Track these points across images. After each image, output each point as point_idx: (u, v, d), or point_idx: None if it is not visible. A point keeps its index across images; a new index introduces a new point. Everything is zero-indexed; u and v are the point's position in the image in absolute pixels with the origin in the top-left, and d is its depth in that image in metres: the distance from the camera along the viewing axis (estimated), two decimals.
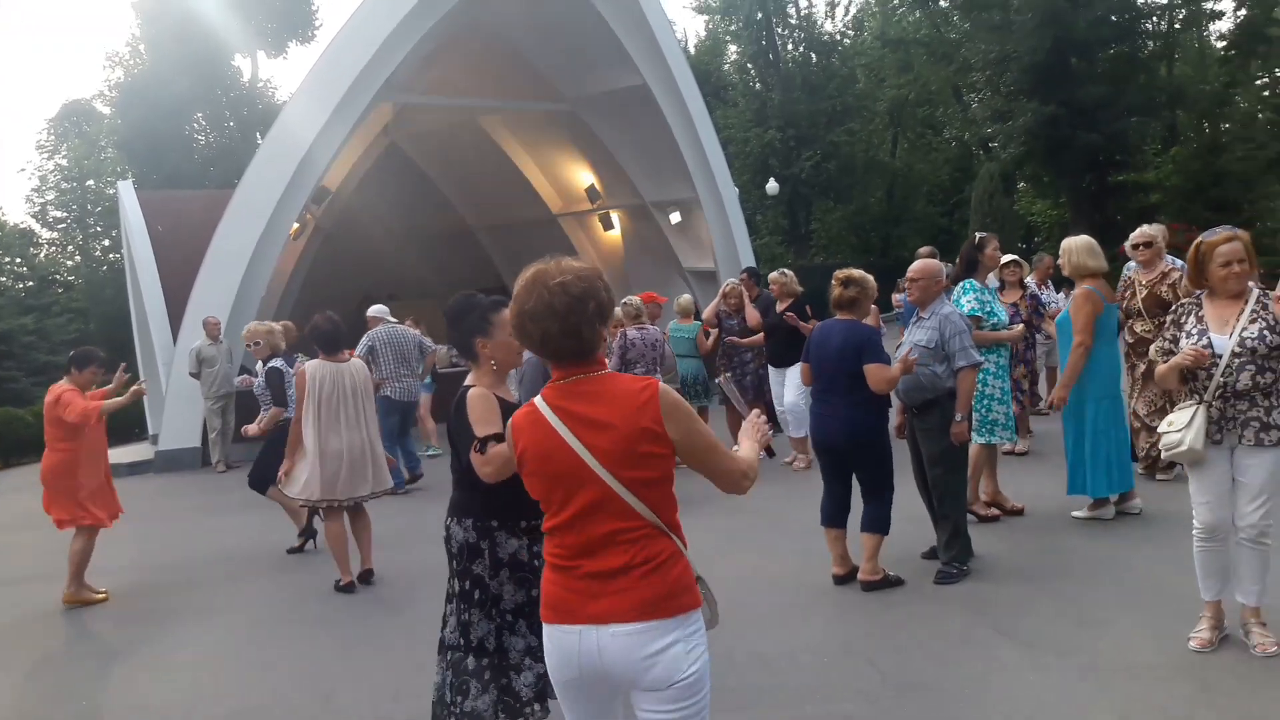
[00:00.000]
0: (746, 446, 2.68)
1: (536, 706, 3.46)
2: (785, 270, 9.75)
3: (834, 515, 5.67)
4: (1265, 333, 4.04)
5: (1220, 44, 31.38)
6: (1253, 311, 4.10)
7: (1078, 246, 6.39)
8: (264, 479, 7.66)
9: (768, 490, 8.40)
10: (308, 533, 7.74)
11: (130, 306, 18.55)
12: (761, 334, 9.37)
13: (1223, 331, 4.12)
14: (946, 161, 40.22)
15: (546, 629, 2.46)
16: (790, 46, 37.89)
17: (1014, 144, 27.45)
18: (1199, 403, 4.15)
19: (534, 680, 3.46)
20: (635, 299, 8.69)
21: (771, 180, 30.06)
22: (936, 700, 4.08)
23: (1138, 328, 7.17)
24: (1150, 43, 29.59)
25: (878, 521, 5.49)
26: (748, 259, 16.95)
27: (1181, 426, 4.15)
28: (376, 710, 4.47)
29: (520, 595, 3.50)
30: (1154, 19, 29.65)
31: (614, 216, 18.67)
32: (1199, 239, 4.32)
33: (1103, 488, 6.37)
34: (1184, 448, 4.13)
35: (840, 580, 5.63)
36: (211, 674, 5.23)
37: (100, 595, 6.90)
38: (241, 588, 6.96)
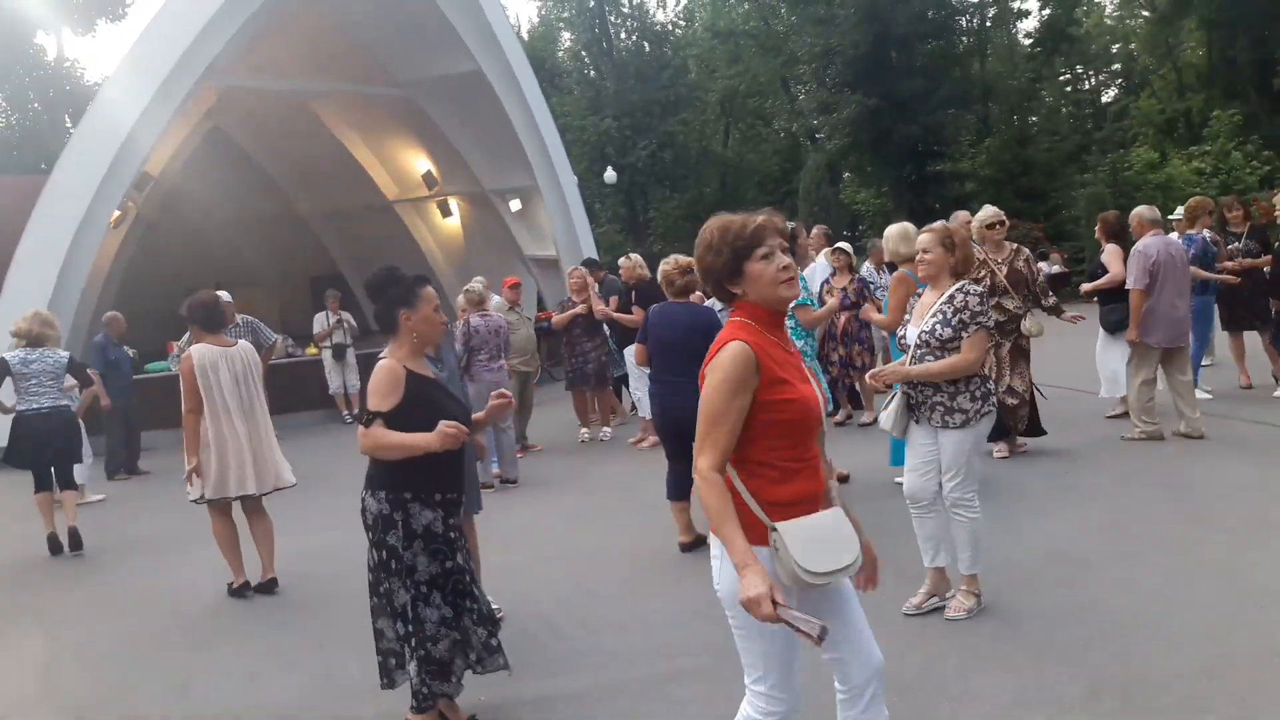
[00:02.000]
0: None
1: (454, 679, 3.71)
2: (632, 254, 10.18)
3: (679, 489, 5.96)
4: (937, 327, 4.42)
5: (1027, 41, 33.75)
6: (941, 305, 4.47)
7: (893, 234, 6.92)
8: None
9: (616, 469, 8.72)
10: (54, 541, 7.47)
11: None
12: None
13: (918, 322, 4.55)
14: (776, 152, 41.53)
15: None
16: (623, 35, 38.29)
17: (839, 135, 28.64)
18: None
19: (448, 649, 3.65)
20: (477, 285, 8.76)
21: (609, 169, 30.38)
22: None
23: (1009, 305, 7.33)
24: (964, 39, 31.41)
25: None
26: (589, 246, 17.18)
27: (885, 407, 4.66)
28: (236, 698, 4.47)
29: (435, 567, 3.62)
30: (967, 16, 31.49)
31: (453, 204, 18.56)
32: None
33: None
34: (883, 426, 4.63)
35: (686, 548, 5.93)
36: (50, 671, 5.06)
37: None
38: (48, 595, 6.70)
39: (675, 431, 5.86)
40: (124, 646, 5.29)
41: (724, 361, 2.49)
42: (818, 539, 2.46)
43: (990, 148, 27.31)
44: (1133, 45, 38.25)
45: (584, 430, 10.38)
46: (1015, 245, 7.52)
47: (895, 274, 6.79)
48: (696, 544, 5.89)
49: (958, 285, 4.50)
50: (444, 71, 15.79)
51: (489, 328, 8.37)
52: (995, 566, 4.81)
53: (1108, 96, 39.68)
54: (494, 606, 5.00)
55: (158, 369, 13.73)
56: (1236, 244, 9.40)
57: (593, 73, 37.89)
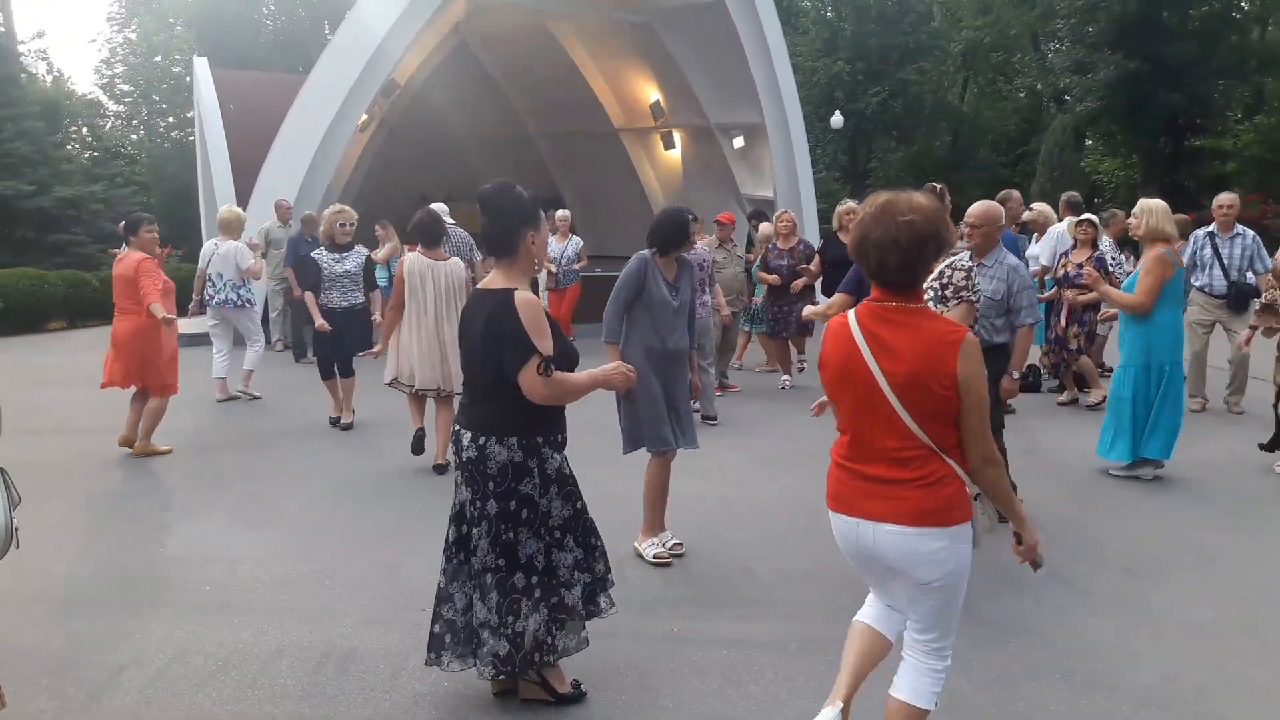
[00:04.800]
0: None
1: (583, 614, 3.47)
2: (846, 202, 9.94)
3: None
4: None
5: None
6: (929, 282, 4.59)
7: (1158, 210, 6.25)
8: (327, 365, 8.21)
9: (799, 416, 8.52)
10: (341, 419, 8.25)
11: (199, 182, 18.74)
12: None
13: None
14: (1015, 111, 39.12)
15: (831, 515, 2.84)
16: None
17: (1091, 97, 26.61)
18: None
19: (582, 591, 3.45)
20: None
21: (837, 113, 29.47)
22: (999, 633, 4.17)
23: None
24: (1246, 2, 28.38)
25: None
26: (808, 192, 16.79)
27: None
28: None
29: (567, 510, 3.41)
30: None
31: (676, 136, 18.49)
32: None
33: (1157, 450, 6.35)
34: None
35: None
36: (277, 534, 5.45)
37: (165, 449, 7.29)
38: (302, 459, 7.21)
39: None
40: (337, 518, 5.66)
41: (979, 353, 2.62)
42: None
43: (1261, 125, 24.68)
44: None
45: (785, 378, 10.26)
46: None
47: (1154, 253, 6.20)
48: None
49: (947, 260, 4.51)
50: (686, 0, 15.62)
51: (695, 260, 8.33)
52: None
53: None
54: (675, 541, 5.04)
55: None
56: None
57: (830, 12, 36.67)
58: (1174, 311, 6.38)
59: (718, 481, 6.47)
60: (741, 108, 16.39)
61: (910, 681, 2.82)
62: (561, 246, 12.16)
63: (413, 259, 6.71)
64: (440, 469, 6.71)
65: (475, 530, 3.35)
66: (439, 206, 10.22)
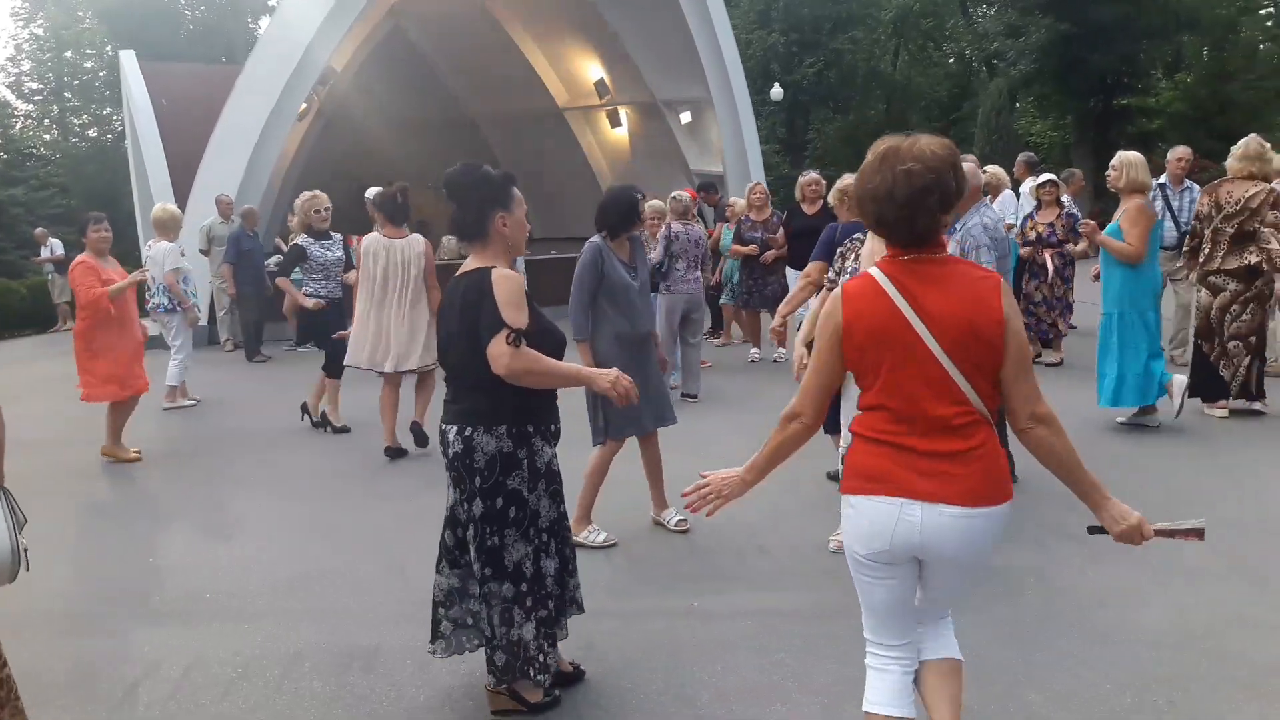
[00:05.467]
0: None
1: (563, 628, 3.33)
2: (810, 173, 9.93)
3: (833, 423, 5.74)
4: None
5: None
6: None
7: (1136, 161, 6.41)
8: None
9: (779, 390, 8.57)
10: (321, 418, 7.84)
11: (132, 181, 18.18)
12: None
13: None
14: (947, 77, 39.63)
15: (857, 500, 2.42)
16: None
17: (1025, 60, 27.04)
18: None
19: (558, 607, 3.27)
20: (684, 196, 8.85)
21: (776, 85, 29.55)
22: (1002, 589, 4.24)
23: None
24: None
25: None
26: (757, 165, 16.83)
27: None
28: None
29: (554, 510, 3.23)
30: None
31: (622, 114, 18.38)
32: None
33: (1134, 399, 6.51)
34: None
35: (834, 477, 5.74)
36: (271, 538, 5.33)
37: (133, 454, 7.05)
38: (281, 459, 7.05)
39: None
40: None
41: (1011, 292, 2.41)
42: None
43: (1183, 83, 25.29)
44: None
45: (755, 350, 10.33)
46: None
47: (1136, 203, 6.35)
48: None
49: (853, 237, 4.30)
50: None
51: (690, 236, 8.33)
52: None
53: None
54: (680, 517, 5.02)
55: None
56: None
57: None
58: (1156, 260, 6.55)
59: (715, 459, 6.44)
60: (687, 83, 16.35)
61: (945, 639, 2.59)
62: None
63: (370, 239, 6.63)
64: (416, 428, 6.81)
65: (454, 532, 3.23)
66: (320, 193, 9.61)
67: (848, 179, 9.31)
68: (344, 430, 7.69)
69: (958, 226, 5.50)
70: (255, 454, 7.24)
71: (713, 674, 3.57)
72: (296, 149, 17.30)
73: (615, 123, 18.48)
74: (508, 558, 3.09)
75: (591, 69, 18.13)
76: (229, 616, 4.26)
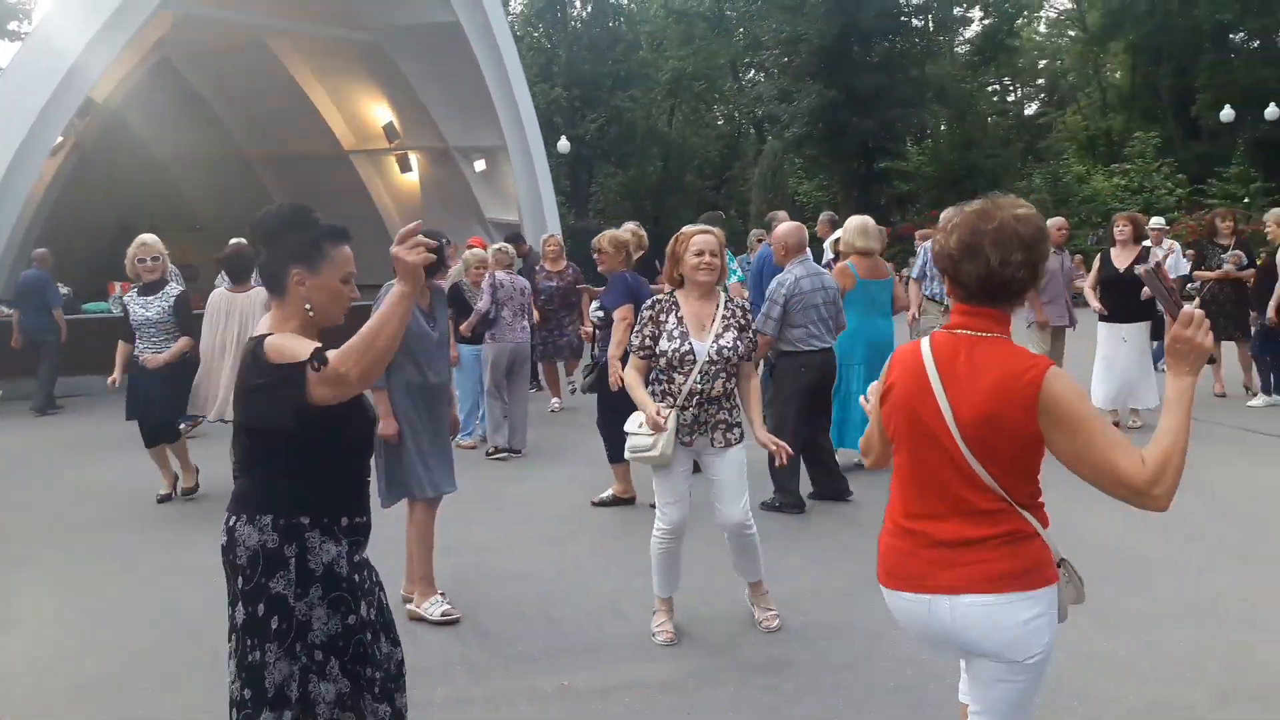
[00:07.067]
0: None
1: None
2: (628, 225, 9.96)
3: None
4: (737, 343, 4.12)
5: (965, 49, 34.32)
6: (724, 317, 4.16)
7: (853, 225, 6.99)
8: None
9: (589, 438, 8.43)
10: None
11: None
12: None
13: (700, 335, 4.11)
14: (718, 137, 41.45)
15: (888, 594, 2.34)
16: (578, 3, 37.65)
17: (797, 123, 28.74)
18: (671, 406, 4.09)
19: None
20: (509, 247, 9.07)
21: (563, 138, 29.85)
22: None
23: None
24: (917, 40, 31.81)
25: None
26: (553, 215, 16.78)
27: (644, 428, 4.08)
28: None
29: (334, 624, 2.50)
30: (917, 17, 31.87)
31: (413, 159, 17.90)
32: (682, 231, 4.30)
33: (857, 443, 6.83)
34: (656, 452, 4.05)
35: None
36: (72, 629, 4.59)
37: None
38: (80, 536, 6.13)
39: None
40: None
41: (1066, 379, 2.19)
42: None
43: (929, 148, 27.65)
44: (1059, 61, 39.54)
45: (555, 400, 10.32)
46: None
47: (839, 265, 6.91)
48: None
49: (727, 296, 4.27)
50: (419, 20, 15.16)
51: (515, 286, 8.19)
52: None
53: (1030, 110, 40.89)
54: (446, 606, 4.47)
55: (97, 309, 12.89)
56: (1223, 254, 9.62)
57: (545, 41, 37.10)
58: (862, 317, 6.73)
59: (549, 519, 6.19)
60: (481, 130, 16.13)
61: None
62: None
63: (215, 295, 6.79)
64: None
65: (230, 644, 2.54)
66: (149, 239, 8.74)
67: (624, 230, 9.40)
68: (193, 491, 6.99)
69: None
70: (51, 531, 6.27)
71: None
72: (49, 185, 15.73)
73: (405, 168, 17.98)
74: (269, 679, 2.45)
75: (380, 111, 17.57)
76: None
